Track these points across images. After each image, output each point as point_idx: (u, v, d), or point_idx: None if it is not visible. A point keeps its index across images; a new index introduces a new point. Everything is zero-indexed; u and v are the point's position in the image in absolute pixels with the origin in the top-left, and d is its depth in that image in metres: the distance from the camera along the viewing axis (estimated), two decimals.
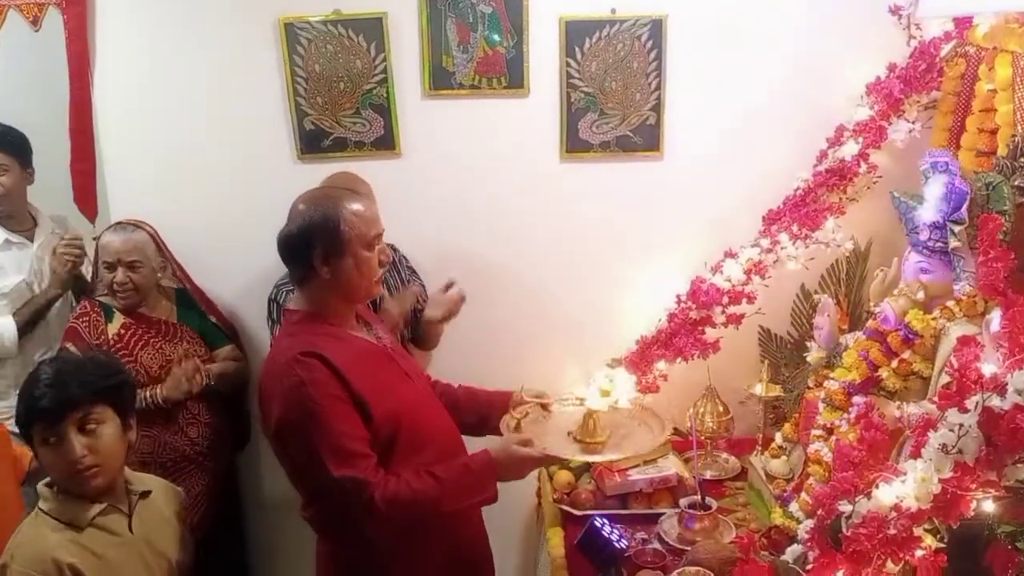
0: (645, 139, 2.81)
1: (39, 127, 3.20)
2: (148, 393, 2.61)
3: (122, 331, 2.68)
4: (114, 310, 2.70)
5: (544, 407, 2.22)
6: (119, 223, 2.71)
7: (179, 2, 2.74)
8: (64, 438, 1.67)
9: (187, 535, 1.95)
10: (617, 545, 2.10)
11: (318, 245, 1.87)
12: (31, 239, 2.95)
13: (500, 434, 2.11)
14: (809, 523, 1.86)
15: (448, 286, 2.68)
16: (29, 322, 2.81)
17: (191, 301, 2.86)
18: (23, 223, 2.95)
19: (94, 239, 2.80)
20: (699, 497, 2.31)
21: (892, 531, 1.43)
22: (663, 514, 2.37)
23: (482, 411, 2.23)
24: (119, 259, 2.64)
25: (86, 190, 2.87)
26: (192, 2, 2.74)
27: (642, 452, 2.21)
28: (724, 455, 2.71)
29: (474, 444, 2.09)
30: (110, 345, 2.64)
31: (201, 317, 2.85)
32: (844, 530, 1.49)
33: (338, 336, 1.94)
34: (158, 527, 1.84)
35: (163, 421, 2.66)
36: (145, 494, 1.80)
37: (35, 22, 2.75)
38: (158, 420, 2.65)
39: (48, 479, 1.75)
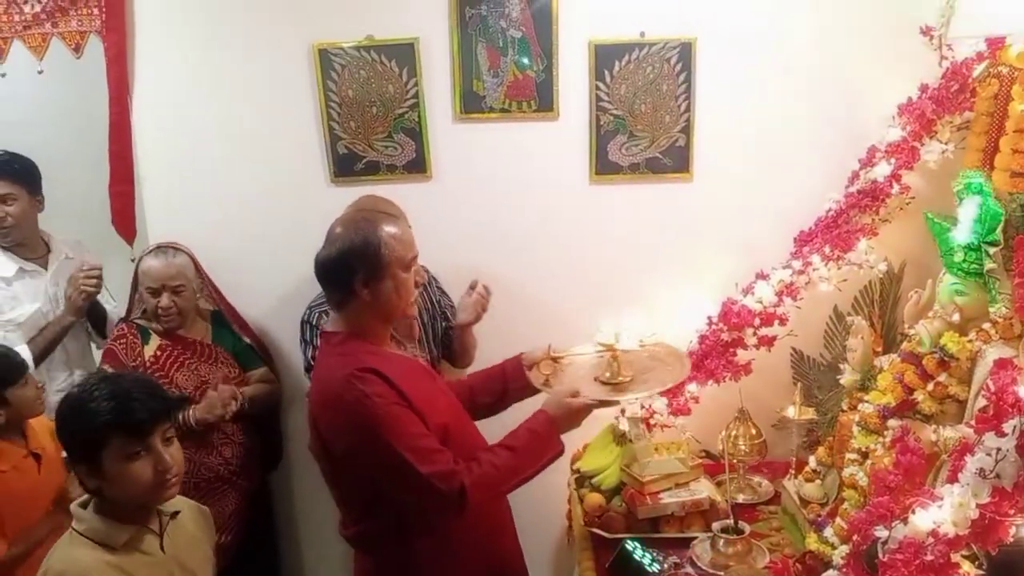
0: (675, 161, 2.81)
1: (78, 151, 3.29)
2: (181, 415, 2.62)
3: (158, 352, 2.71)
4: (150, 332, 2.74)
5: (555, 360, 2.31)
6: (159, 247, 2.75)
7: (216, 28, 2.81)
8: (153, 448, 1.69)
9: (212, 555, 1.96)
10: (649, 569, 2.09)
11: (359, 268, 1.90)
12: (44, 266, 2.97)
13: (520, 399, 2.28)
14: (845, 548, 1.84)
15: (472, 287, 2.72)
16: (45, 350, 2.82)
17: (225, 322, 2.90)
18: (36, 250, 2.97)
19: (132, 260, 2.85)
20: (732, 521, 2.28)
21: (929, 557, 1.41)
22: (695, 538, 2.34)
23: (499, 384, 2.30)
24: (163, 284, 2.68)
25: (125, 213, 2.92)
26: (228, 29, 2.81)
27: (669, 383, 2.28)
28: (757, 479, 2.68)
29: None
30: (146, 367, 2.67)
31: (235, 338, 2.89)
32: (880, 556, 1.47)
33: (381, 354, 1.97)
34: (188, 547, 1.85)
35: (198, 441, 2.69)
36: (175, 514, 1.82)
37: (77, 49, 2.83)
38: (193, 440, 2.67)
39: (83, 499, 1.76)
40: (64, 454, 1.88)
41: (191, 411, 2.65)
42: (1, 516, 2.30)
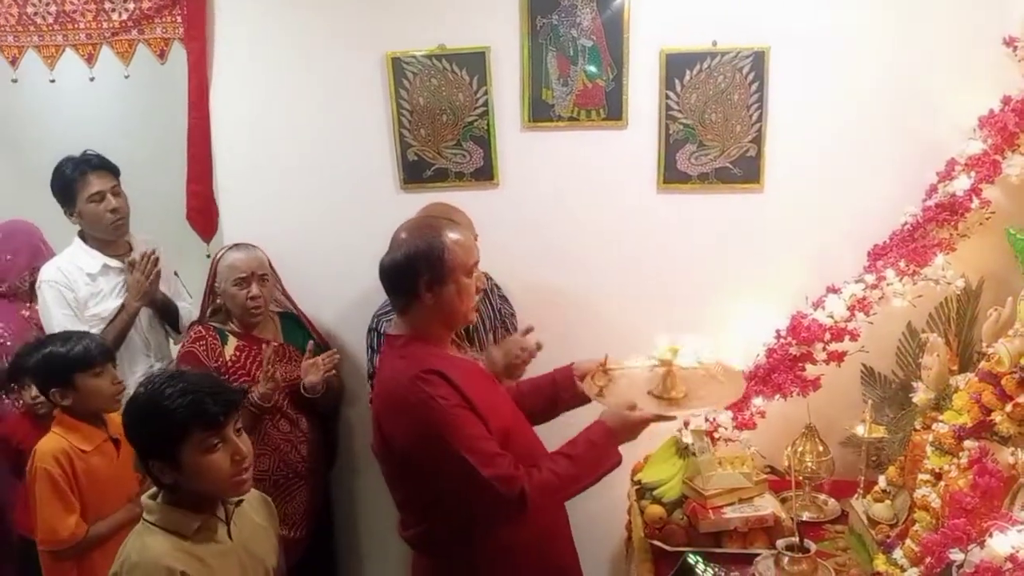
0: (745, 171, 2.78)
1: (159, 154, 3.40)
2: (247, 400, 2.60)
3: (237, 353, 2.77)
4: (227, 333, 2.79)
5: (607, 371, 2.31)
6: (236, 244, 2.82)
7: (292, 37, 2.88)
8: (228, 440, 1.75)
9: (277, 544, 2.00)
10: None
11: (424, 272, 1.94)
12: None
13: (571, 408, 2.30)
14: (915, 571, 1.79)
15: (527, 331, 2.56)
16: (116, 339, 2.87)
17: (294, 322, 2.96)
18: (119, 248, 3.03)
19: (207, 256, 2.93)
20: (797, 539, 2.24)
21: None
22: (759, 555, 2.30)
23: (550, 393, 2.31)
24: (252, 272, 2.74)
25: (203, 211, 3.02)
26: (305, 37, 2.88)
27: (724, 402, 2.29)
28: (823, 497, 2.62)
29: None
30: (228, 367, 2.73)
31: (305, 337, 2.94)
32: None
33: (444, 357, 2.01)
34: (253, 534, 1.90)
35: (281, 440, 2.76)
36: (239, 503, 1.86)
37: (161, 55, 2.95)
38: (276, 439, 2.76)
39: (152, 491, 1.81)
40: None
41: (252, 392, 2.64)
42: (83, 496, 2.41)
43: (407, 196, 2.89)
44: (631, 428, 2.05)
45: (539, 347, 2.54)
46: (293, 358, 2.86)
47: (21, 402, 3.07)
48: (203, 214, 3.06)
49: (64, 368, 2.43)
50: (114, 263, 3.00)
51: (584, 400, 2.26)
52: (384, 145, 2.90)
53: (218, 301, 2.83)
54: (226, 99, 2.95)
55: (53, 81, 3.04)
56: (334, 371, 2.81)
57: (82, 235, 2.99)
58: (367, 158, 2.92)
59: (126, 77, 3.01)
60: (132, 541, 1.76)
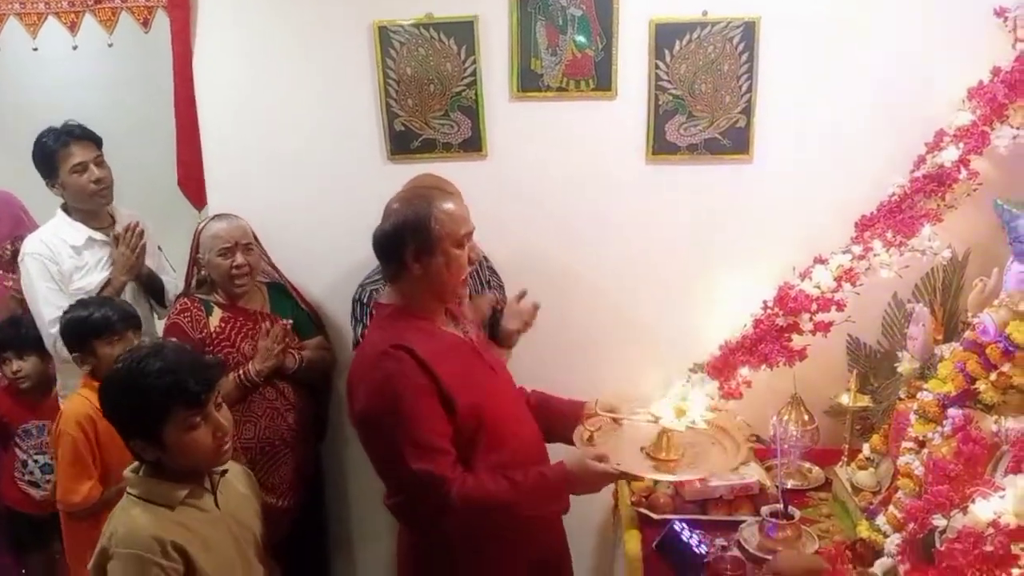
0: (734, 142, 2.77)
1: (144, 124, 3.37)
2: (241, 372, 2.69)
3: (222, 324, 2.76)
4: (212, 305, 2.78)
5: (616, 422, 2.22)
6: (218, 215, 2.81)
7: (277, 6, 2.84)
8: (210, 416, 1.75)
9: (260, 513, 2.01)
10: (696, 550, 2.09)
11: (410, 242, 1.92)
12: (111, 236, 3.02)
13: (566, 442, 2.14)
14: (897, 537, 1.82)
15: (521, 296, 2.68)
16: None
17: (281, 293, 2.95)
18: (103, 221, 3.01)
19: (199, 224, 2.90)
20: (781, 506, 2.27)
21: (989, 548, 1.39)
22: (743, 521, 2.33)
23: (552, 420, 2.23)
24: (236, 242, 2.72)
25: (193, 179, 2.98)
26: (290, 6, 2.84)
27: (715, 472, 2.20)
28: (808, 465, 2.65)
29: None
30: (212, 339, 2.72)
31: (294, 307, 2.93)
32: (937, 545, 1.45)
33: (427, 330, 1.99)
34: (240, 503, 1.92)
35: (266, 408, 2.77)
36: (223, 473, 1.87)
37: (145, 23, 2.90)
38: (262, 407, 2.76)
39: (134, 465, 1.81)
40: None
41: (249, 365, 2.70)
42: (105, 457, 2.47)
43: (394, 167, 2.87)
44: (592, 479, 1.94)
45: (536, 307, 2.62)
46: (286, 333, 2.81)
47: (1, 375, 3.07)
48: (194, 183, 3.02)
49: (83, 334, 2.47)
50: (98, 236, 2.97)
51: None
52: (371, 115, 2.87)
53: (202, 272, 2.81)
54: (210, 68, 2.91)
55: (36, 49, 2.99)
56: (286, 344, 2.76)
57: (65, 207, 2.96)
58: (354, 128, 2.89)
59: (110, 46, 2.96)
60: (117, 515, 1.75)
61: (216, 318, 2.76)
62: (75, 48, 2.95)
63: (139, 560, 1.65)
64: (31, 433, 3.09)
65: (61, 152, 2.86)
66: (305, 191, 2.96)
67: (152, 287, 3.06)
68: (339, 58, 2.84)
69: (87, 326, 2.48)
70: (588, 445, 2.07)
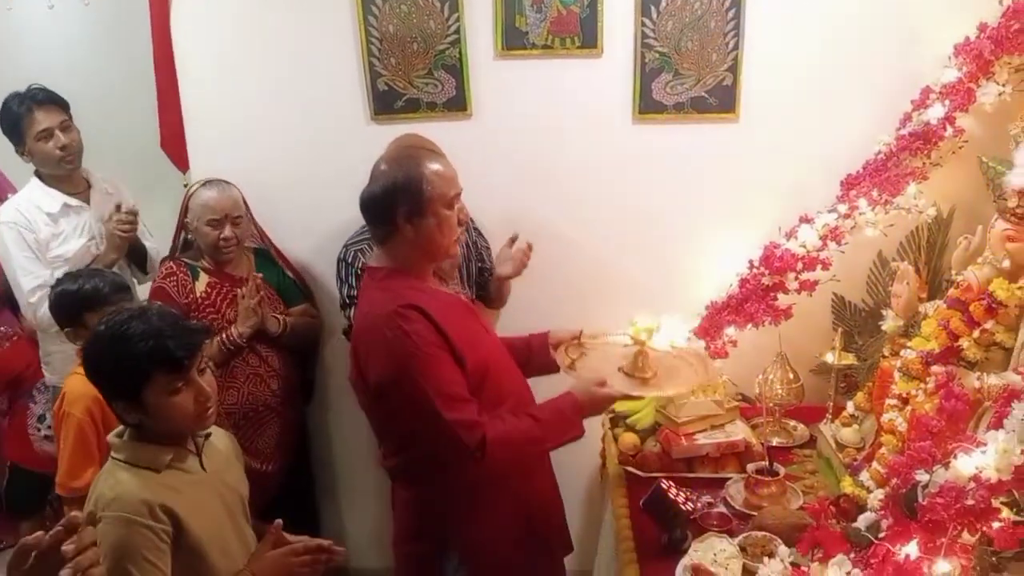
0: (721, 100, 2.76)
1: (123, 86, 3.31)
2: (224, 335, 2.68)
3: (208, 289, 2.74)
4: (199, 269, 2.75)
5: (580, 343, 2.30)
6: (210, 180, 2.76)
7: None
8: (192, 381, 1.74)
9: (244, 476, 2.01)
10: (683, 507, 2.11)
11: (402, 204, 1.91)
12: (87, 201, 3.00)
13: (539, 375, 2.28)
14: (880, 492, 1.84)
15: (512, 240, 2.73)
16: None
17: (267, 258, 2.93)
18: (78, 185, 2.99)
19: (185, 186, 2.87)
20: (767, 463, 2.29)
21: (970, 502, 1.40)
22: (730, 479, 2.36)
23: (522, 356, 2.28)
24: (226, 215, 2.70)
25: (176, 140, 2.95)
26: None
27: (693, 386, 2.29)
28: (793, 423, 2.68)
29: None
30: (198, 304, 2.70)
31: (279, 274, 2.92)
32: (920, 500, 1.47)
33: (425, 290, 2.00)
34: (225, 465, 1.92)
35: (249, 374, 2.77)
36: (207, 436, 1.87)
37: None
38: (245, 373, 2.76)
39: (118, 430, 1.80)
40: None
41: (232, 329, 2.69)
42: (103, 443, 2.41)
43: (378, 127, 2.83)
44: (597, 403, 2.07)
45: (529, 247, 2.74)
46: (259, 286, 2.79)
47: (22, 328, 3.04)
48: (176, 144, 2.99)
49: (73, 307, 2.41)
50: (74, 202, 2.94)
51: (553, 369, 2.26)
52: (353, 74, 2.83)
53: (189, 237, 2.78)
54: (189, 28, 2.84)
55: (11, 9, 2.92)
56: (261, 296, 2.73)
57: (39, 174, 2.92)
58: (336, 88, 2.85)
59: (86, 4, 2.90)
60: (103, 479, 1.74)
61: (202, 283, 2.74)
62: (51, 8, 2.89)
63: (128, 522, 1.65)
64: (49, 388, 3.07)
65: (26, 118, 2.82)
66: (287, 152, 2.92)
67: (136, 255, 3.03)
68: (321, 16, 2.79)
69: (77, 299, 2.41)
70: (571, 370, 2.18)
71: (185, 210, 2.75)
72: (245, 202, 2.80)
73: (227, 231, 2.70)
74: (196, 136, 2.94)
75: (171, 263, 2.76)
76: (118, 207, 2.87)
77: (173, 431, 1.78)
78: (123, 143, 3.15)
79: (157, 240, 3.12)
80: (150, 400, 1.70)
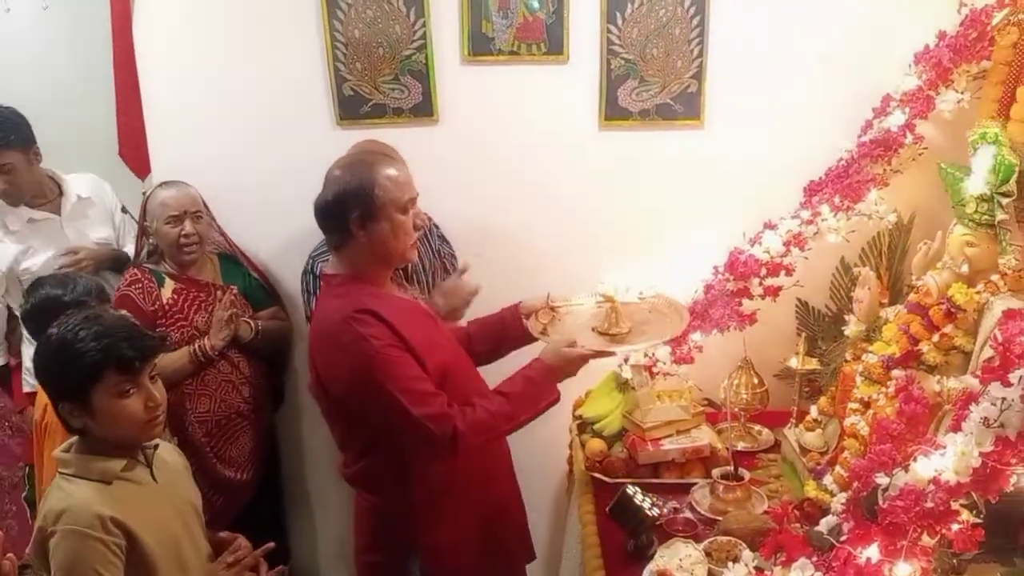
0: (686, 107, 2.77)
1: (84, 88, 3.26)
2: (196, 346, 2.64)
3: (175, 296, 2.69)
4: (164, 275, 2.71)
5: (553, 309, 2.30)
6: (167, 182, 2.73)
7: None
8: (143, 386, 1.72)
9: (196, 487, 1.99)
10: (649, 513, 2.11)
11: (354, 209, 1.90)
12: (57, 210, 2.96)
13: (517, 347, 2.28)
14: (843, 496, 1.85)
15: (463, 271, 2.56)
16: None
17: (233, 262, 2.89)
18: (45, 196, 2.96)
19: (143, 193, 2.83)
20: (732, 468, 2.30)
21: (929, 504, 1.42)
22: (695, 484, 2.37)
23: (497, 332, 2.31)
24: (185, 211, 2.66)
25: (136, 146, 2.92)
26: None
27: (666, 336, 2.28)
28: (758, 427, 2.70)
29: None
30: (165, 311, 2.66)
31: (245, 277, 2.88)
32: (880, 503, 1.48)
33: (382, 296, 1.98)
34: (176, 476, 1.89)
35: (221, 381, 2.73)
36: (155, 447, 1.84)
37: None
38: (217, 380, 2.72)
39: (64, 444, 1.77)
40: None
41: (205, 340, 2.65)
42: None
43: (343, 132, 2.81)
44: (570, 364, 2.05)
45: (477, 290, 2.54)
46: (234, 300, 2.77)
47: None
48: (136, 150, 2.96)
49: (57, 314, 2.33)
50: (40, 215, 2.92)
51: (531, 338, 2.26)
52: (318, 79, 2.81)
53: (151, 241, 2.74)
54: (151, 30, 2.80)
55: None
56: (234, 311, 2.70)
57: None
58: (301, 93, 2.82)
59: (44, 8, 2.86)
60: (53, 494, 1.70)
61: (168, 289, 2.70)
62: (8, 10, 2.85)
63: (79, 536, 1.61)
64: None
65: None
66: (252, 158, 2.89)
67: (120, 264, 2.99)
68: (286, 21, 2.77)
69: (60, 306, 2.31)
70: (543, 335, 2.17)
71: (144, 213, 2.72)
72: (205, 204, 2.77)
73: (187, 227, 2.66)
74: (158, 140, 2.89)
75: (135, 270, 2.72)
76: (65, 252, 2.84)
77: (120, 438, 1.74)
78: (82, 149, 3.11)
79: None
80: (99, 402, 1.68)
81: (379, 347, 1.86)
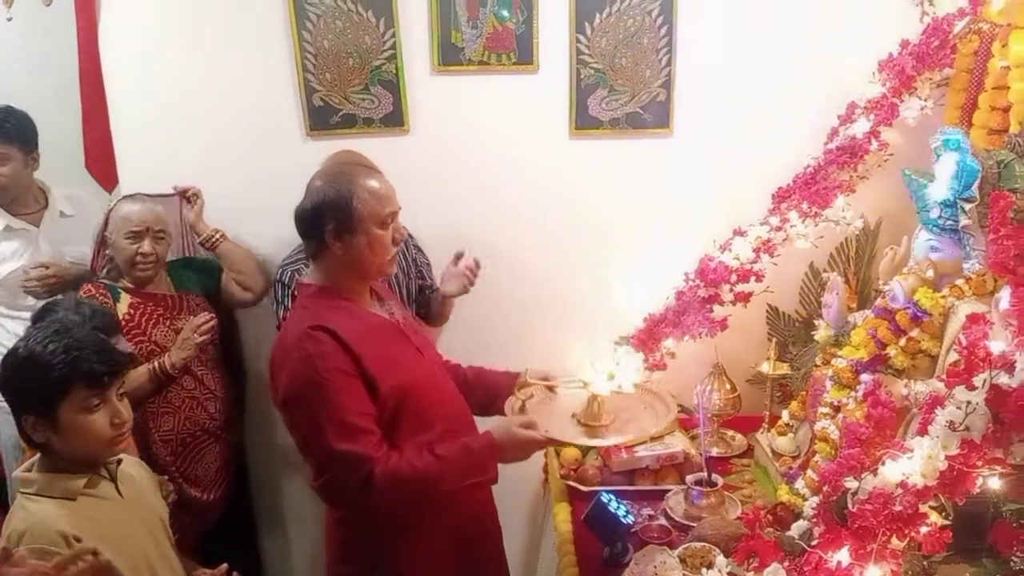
0: (655, 116, 2.80)
1: (50, 101, 3.21)
2: (156, 364, 2.56)
3: (131, 311, 2.61)
4: (120, 291, 2.63)
5: (550, 389, 2.21)
6: (135, 195, 2.68)
7: None
8: (110, 401, 1.70)
9: (164, 503, 1.97)
10: (624, 521, 2.11)
11: (331, 220, 1.88)
12: (37, 222, 2.92)
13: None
14: (815, 500, 1.87)
15: (458, 257, 2.67)
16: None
17: (183, 268, 2.83)
18: (29, 206, 2.92)
19: (110, 204, 2.80)
20: (705, 474, 2.31)
21: (898, 507, 1.43)
22: (669, 490, 2.38)
23: (489, 392, 2.22)
24: (148, 227, 2.59)
25: (102, 158, 2.87)
26: None
27: (646, 435, 2.22)
28: (730, 433, 2.71)
29: (483, 424, 2.09)
30: (122, 326, 2.60)
31: (195, 272, 2.82)
32: (850, 506, 1.49)
33: (350, 311, 1.95)
34: (141, 490, 1.87)
35: (184, 398, 2.66)
36: (119, 462, 1.82)
37: None
38: (181, 397, 2.65)
39: (26, 464, 1.74)
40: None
41: (164, 359, 2.58)
42: None
43: (314, 143, 2.81)
44: (519, 447, 1.91)
45: (477, 264, 2.65)
46: (191, 307, 2.73)
47: None
48: (103, 163, 2.91)
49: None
50: (18, 224, 2.88)
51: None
52: (288, 90, 2.80)
53: (107, 254, 2.68)
54: (118, 42, 2.78)
55: None
56: (206, 339, 2.64)
57: None
58: (271, 104, 2.81)
59: (8, 20, 2.81)
60: (16, 514, 1.67)
61: (124, 304, 2.61)
62: None
63: (44, 555, 1.57)
64: None
65: None
66: (221, 169, 2.86)
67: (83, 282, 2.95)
68: (254, 31, 2.76)
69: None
70: (520, 414, 2.05)
71: (106, 224, 2.66)
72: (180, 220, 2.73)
73: (146, 246, 2.59)
74: (125, 152, 2.86)
75: (89, 286, 2.62)
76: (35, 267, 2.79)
77: (83, 455, 1.72)
78: (47, 160, 3.06)
79: None
80: (65, 417, 1.65)
81: (323, 370, 1.81)
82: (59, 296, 2.60)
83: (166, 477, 2.34)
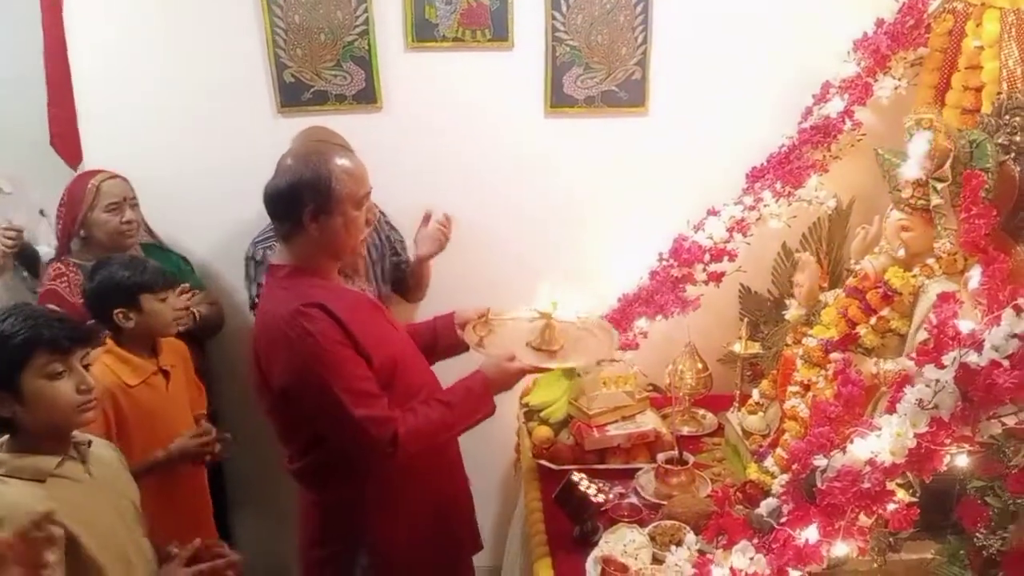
0: (630, 94, 2.78)
1: (11, 76, 3.15)
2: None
3: None
4: (90, 268, 2.61)
5: (487, 321, 2.31)
6: (93, 171, 2.65)
7: None
8: (75, 368, 1.67)
9: (135, 483, 1.94)
10: (594, 499, 2.11)
11: (309, 202, 1.85)
12: None
13: (448, 357, 2.28)
14: (784, 478, 1.88)
15: (427, 218, 2.71)
16: None
17: (159, 250, 2.80)
18: None
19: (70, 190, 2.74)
20: (676, 452, 2.32)
21: (866, 485, 1.44)
22: (640, 469, 2.39)
23: (428, 340, 2.27)
24: (124, 197, 2.62)
25: (66, 135, 2.82)
26: None
27: (599, 356, 2.35)
28: (702, 411, 2.72)
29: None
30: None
31: (169, 260, 2.79)
32: (819, 484, 1.50)
33: (329, 288, 1.94)
34: (111, 471, 1.84)
35: None
36: (89, 443, 1.79)
37: None
38: None
39: None
40: None
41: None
42: (131, 434, 2.26)
43: (285, 120, 2.76)
44: (508, 378, 2.06)
45: (448, 219, 2.76)
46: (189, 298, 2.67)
47: None
48: (67, 139, 2.86)
49: (130, 289, 2.29)
50: None
51: (460, 349, 2.26)
52: (258, 66, 2.74)
53: (81, 233, 2.65)
54: (83, 17, 2.71)
55: None
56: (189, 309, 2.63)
57: None
58: (240, 80, 2.76)
59: None
60: None
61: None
62: None
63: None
64: None
65: None
66: (190, 146, 2.82)
67: (27, 260, 2.88)
68: (223, 6, 2.70)
69: (135, 282, 2.29)
70: (479, 347, 2.18)
71: (72, 203, 2.62)
72: None
73: (128, 213, 2.62)
74: (91, 130, 2.81)
75: (58, 264, 2.62)
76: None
77: (51, 425, 1.68)
78: (13, 139, 2.99)
79: None
80: (29, 385, 1.63)
81: (325, 344, 1.82)
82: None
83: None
